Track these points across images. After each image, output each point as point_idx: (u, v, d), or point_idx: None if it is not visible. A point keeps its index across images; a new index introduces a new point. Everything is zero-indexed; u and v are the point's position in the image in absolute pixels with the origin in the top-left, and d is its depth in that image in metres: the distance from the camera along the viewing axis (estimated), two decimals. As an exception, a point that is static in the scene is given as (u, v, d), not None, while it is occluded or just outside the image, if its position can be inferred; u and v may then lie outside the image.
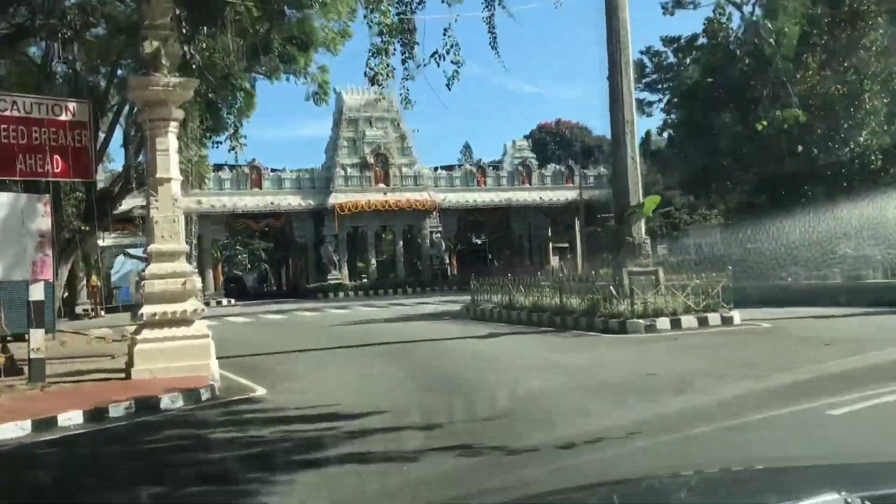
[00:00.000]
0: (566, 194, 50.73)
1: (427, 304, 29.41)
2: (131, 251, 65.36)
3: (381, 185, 46.24)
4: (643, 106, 48.45)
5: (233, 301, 42.02)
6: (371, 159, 45.91)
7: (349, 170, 45.73)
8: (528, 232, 50.59)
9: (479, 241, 54.93)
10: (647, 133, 44.83)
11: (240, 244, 75.18)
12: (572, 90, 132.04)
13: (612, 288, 14.37)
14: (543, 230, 51.39)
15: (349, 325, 19.90)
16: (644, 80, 47.78)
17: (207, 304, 41.12)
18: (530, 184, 50.83)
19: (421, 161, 47.76)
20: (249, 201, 43.51)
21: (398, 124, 47.52)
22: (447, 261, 47.32)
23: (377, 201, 44.91)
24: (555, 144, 68.80)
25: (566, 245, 57.34)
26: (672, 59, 46.82)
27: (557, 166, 52.96)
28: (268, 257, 70.66)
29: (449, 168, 49.99)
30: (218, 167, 43.56)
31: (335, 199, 44.40)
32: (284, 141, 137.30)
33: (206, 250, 42.96)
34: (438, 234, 47.32)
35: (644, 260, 14.40)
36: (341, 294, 43.02)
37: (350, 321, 21.13)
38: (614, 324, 14.18)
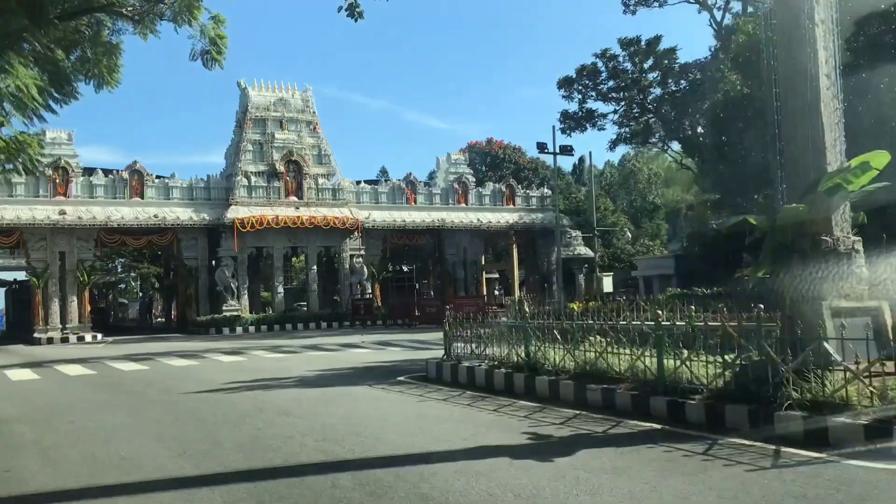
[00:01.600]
0: (505, 217, 44.39)
1: (356, 347, 21.91)
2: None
3: (293, 199, 38.68)
4: (594, 118, 42.94)
5: (99, 337, 33.46)
6: (281, 167, 38.34)
7: (254, 178, 38.03)
8: (462, 258, 43.84)
9: (405, 269, 47.78)
10: (589, 154, 38.52)
11: (123, 267, 66.04)
12: (485, 125, 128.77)
13: (781, 340, 7.22)
14: (478, 256, 44.73)
15: (232, 391, 12.22)
16: (597, 88, 42.26)
17: (65, 339, 32.66)
18: (466, 203, 44.22)
19: (341, 172, 40.52)
20: (127, 213, 35.18)
21: (314, 127, 40.19)
22: (369, 290, 40.03)
23: (287, 217, 37.32)
24: (485, 165, 62.73)
25: (496, 275, 50.99)
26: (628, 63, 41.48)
27: (497, 185, 46.58)
28: (159, 283, 61.61)
29: (374, 182, 42.81)
30: (89, 170, 35.39)
31: (235, 212, 36.58)
32: (175, 138, 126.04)
33: (70, 271, 34.31)
34: (360, 259, 40.01)
35: (857, 286, 7.60)
36: (239, 329, 35.08)
37: (237, 381, 13.43)
38: (795, 424, 6.92)
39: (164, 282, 50.81)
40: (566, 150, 37.63)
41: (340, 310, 38.32)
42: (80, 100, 18.55)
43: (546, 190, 47.86)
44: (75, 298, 34.46)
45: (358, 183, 41.95)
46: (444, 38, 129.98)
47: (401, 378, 13.08)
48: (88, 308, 35.15)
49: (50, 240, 34.03)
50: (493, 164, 62.85)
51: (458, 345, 12.61)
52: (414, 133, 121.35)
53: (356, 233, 39.73)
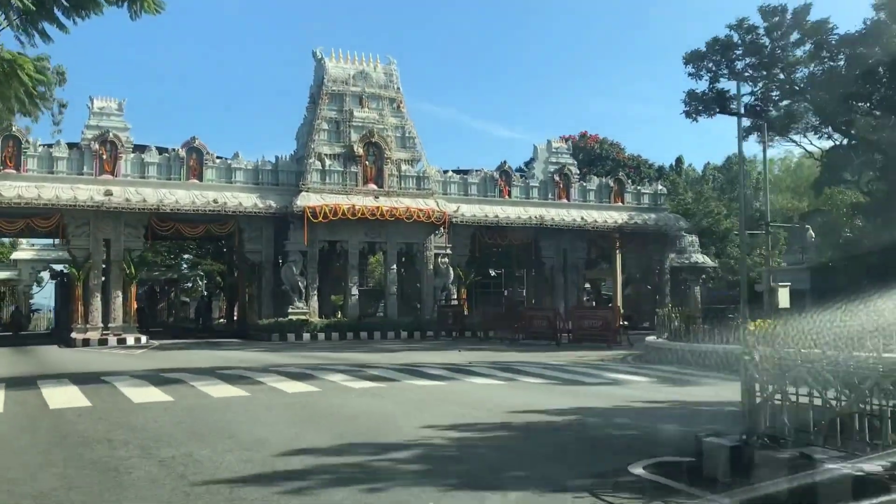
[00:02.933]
0: (613, 216, 38.20)
1: (470, 373, 15.44)
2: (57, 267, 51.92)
3: (372, 186, 33.36)
4: (726, 99, 36.37)
5: (143, 339, 28.58)
6: (360, 149, 33.06)
7: (328, 162, 32.83)
8: (562, 262, 37.82)
9: (492, 273, 41.95)
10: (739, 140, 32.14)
11: (189, 264, 62.01)
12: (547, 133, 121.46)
13: None
14: (580, 260, 38.62)
15: (291, 496, 5.87)
16: (731, 65, 35.75)
17: (104, 341, 27.88)
18: (568, 198, 38.23)
19: (427, 158, 35.01)
20: (183, 196, 30.34)
21: (398, 105, 34.82)
22: (454, 295, 34.40)
23: (365, 207, 31.98)
24: (579, 162, 56.32)
25: (587, 286, 44.70)
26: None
27: (604, 179, 40.41)
28: (222, 281, 57.29)
29: (462, 172, 37.18)
30: (140, 147, 30.64)
31: (306, 200, 31.41)
32: (240, 122, 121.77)
33: (115, 262, 29.64)
34: (446, 259, 34.40)
35: None
36: (306, 336, 29.82)
37: (301, 450, 7.53)
38: None
39: (227, 280, 46.25)
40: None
41: (423, 317, 32.72)
42: (101, 20, 13.46)
43: (660, 186, 41.46)
44: (120, 294, 29.74)
45: (445, 172, 36.34)
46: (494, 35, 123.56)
47: (637, 471, 6.45)
48: (135, 305, 30.40)
49: (93, 225, 29.40)
50: (587, 161, 56.42)
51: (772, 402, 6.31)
52: (483, 142, 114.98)
53: (442, 228, 34.15)
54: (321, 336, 29.92)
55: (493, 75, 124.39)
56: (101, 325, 29.22)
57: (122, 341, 26.79)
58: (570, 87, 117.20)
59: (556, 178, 38.02)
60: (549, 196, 37.92)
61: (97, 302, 29.27)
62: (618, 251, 39.64)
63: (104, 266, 30.18)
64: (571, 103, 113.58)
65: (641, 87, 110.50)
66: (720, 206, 48.48)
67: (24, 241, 49.19)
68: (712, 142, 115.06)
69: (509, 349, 22.97)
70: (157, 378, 14.20)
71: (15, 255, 52.00)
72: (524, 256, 39.49)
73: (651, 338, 20.78)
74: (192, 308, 50.11)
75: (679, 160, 59.00)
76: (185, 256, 61.07)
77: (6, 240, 52.78)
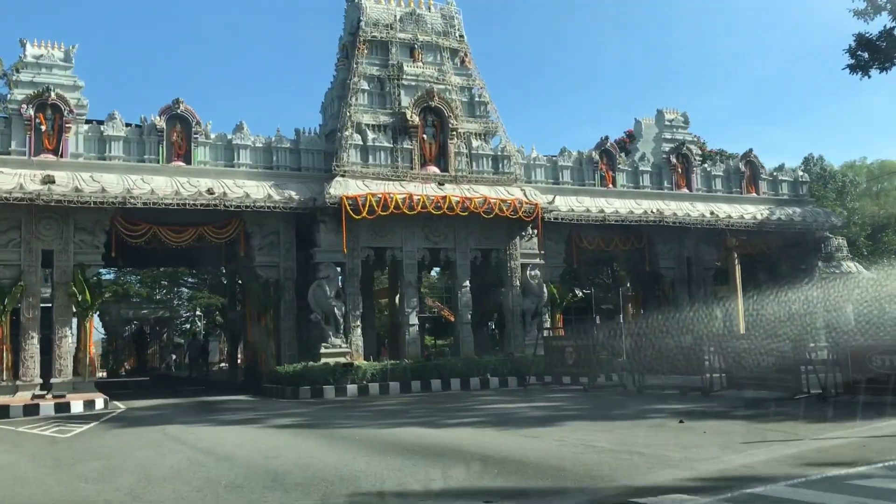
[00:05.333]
0: (749, 209, 28.29)
1: None
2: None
3: (433, 169, 23.48)
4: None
5: (99, 404, 17.90)
6: (414, 117, 23.22)
7: (372, 135, 22.96)
8: (685, 272, 27.80)
9: (581, 292, 31.71)
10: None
11: (187, 300, 51.95)
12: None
13: None
14: (708, 270, 28.51)
15: None
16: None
17: (32, 409, 17.38)
18: (689, 187, 28.33)
19: (506, 132, 25.12)
20: (162, 185, 20.42)
21: (463, 59, 25.06)
22: (547, 323, 24.29)
23: (426, 198, 22.08)
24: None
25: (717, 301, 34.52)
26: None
27: (731, 161, 30.48)
28: (222, 317, 47.19)
29: (552, 157, 27.22)
30: (100, 121, 20.89)
31: (342, 188, 21.52)
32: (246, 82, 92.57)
33: (62, 285, 19.63)
34: (538, 272, 24.37)
35: None
36: (351, 388, 19.55)
37: None
38: None
39: (228, 314, 36.11)
40: None
41: (512, 355, 22.48)
42: None
43: (802, 172, 31.52)
44: (68, 333, 19.68)
45: (527, 152, 26.37)
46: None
47: None
48: (91, 350, 20.19)
49: (25, 228, 19.46)
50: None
51: None
52: (546, 117, 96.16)
53: (530, 229, 24.23)
54: (373, 388, 19.71)
55: (556, 41, 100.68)
56: (38, 380, 19.16)
57: (62, 408, 16.56)
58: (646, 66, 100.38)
59: (673, 159, 28.12)
60: (665, 184, 28.02)
61: (32, 347, 19.19)
62: (735, 256, 29.46)
63: (46, 292, 20.27)
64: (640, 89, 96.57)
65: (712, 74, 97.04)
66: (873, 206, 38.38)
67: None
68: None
69: (776, 421, 12.38)
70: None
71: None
72: (633, 265, 29.34)
73: None
74: (184, 351, 39.83)
75: (807, 159, 47.80)
76: (184, 290, 51.41)
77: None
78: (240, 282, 30.76)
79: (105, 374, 48.88)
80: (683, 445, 8.96)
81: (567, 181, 26.46)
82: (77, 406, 16.78)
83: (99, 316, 50.48)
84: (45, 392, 17.75)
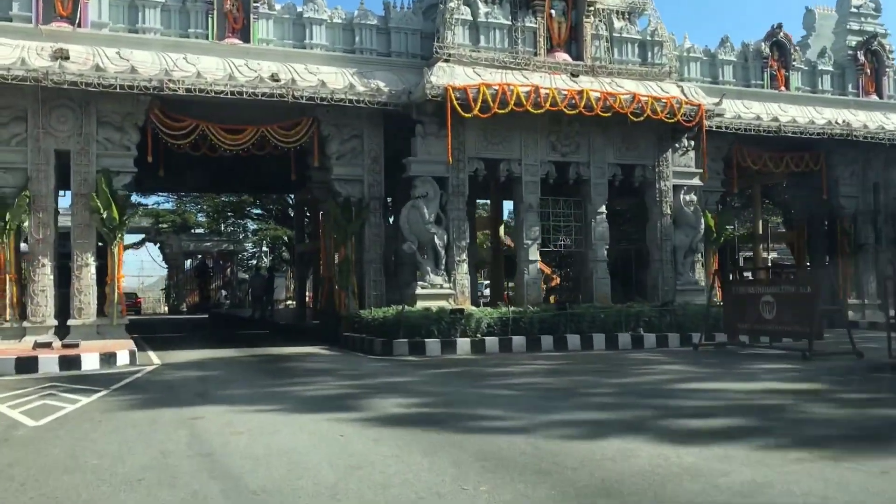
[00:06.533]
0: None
1: None
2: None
3: (563, 57, 17.80)
4: None
5: (122, 357, 12.94)
6: (538, -14, 17.52)
7: (483, 8, 17.29)
8: (871, 201, 21.73)
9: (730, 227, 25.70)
10: None
11: (254, 234, 47.91)
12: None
13: None
14: (898, 202, 22.31)
15: None
16: None
17: (25, 365, 12.58)
18: (880, 93, 22.02)
19: (657, 10, 19.11)
20: (212, 67, 15.34)
21: (603, -86, 19.03)
22: (700, 258, 18.72)
23: (556, 93, 16.46)
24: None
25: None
26: None
27: (935, 59, 23.89)
28: (288, 251, 42.76)
29: (708, 49, 21.11)
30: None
31: (446, 76, 16.07)
32: None
33: (82, 197, 14.84)
34: (694, 196, 18.69)
35: None
36: (461, 342, 14.41)
37: None
38: None
39: (295, 247, 31.48)
40: None
41: (672, 304, 16.88)
42: None
43: None
44: (90, 259, 14.95)
45: (677, 41, 20.34)
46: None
47: None
48: (120, 284, 15.36)
49: (32, 119, 14.62)
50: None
51: None
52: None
53: (685, 139, 18.49)
54: (490, 344, 14.51)
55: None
56: (51, 321, 14.57)
57: (69, 363, 11.72)
58: None
59: (861, 57, 21.76)
60: (850, 88, 21.75)
61: (44, 277, 14.54)
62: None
63: (56, 204, 15.62)
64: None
65: None
66: None
67: None
68: None
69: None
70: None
71: None
72: (799, 196, 23.30)
73: None
74: (247, 287, 35.31)
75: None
76: (249, 222, 47.40)
77: None
78: (308, 212, 25.95)
79: (167, 309, 45.54)
80: None
81: (728, 80, 20.50)
82: (90, 360, 12.03)
83: (159, 247, 47.03)
84: (50, 341, 13.04)
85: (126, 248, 45.52)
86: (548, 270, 25.19)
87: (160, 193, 38.22)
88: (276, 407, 8.11)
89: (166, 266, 47.83)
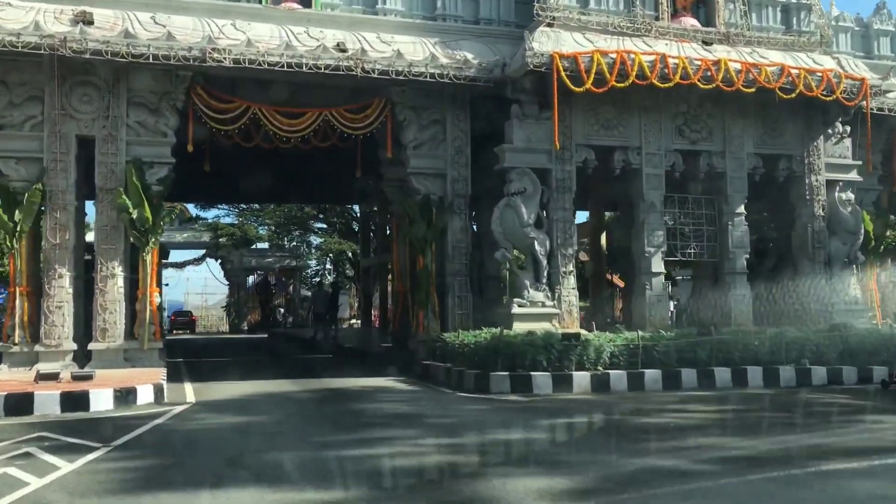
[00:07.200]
0: None
1: None
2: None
3: (690, 22, 14.50)
4: None
5: (147, 392, 9.81)
6: (662, -64, 14.25)
7: (593, -36, 14.17)
8: None
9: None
10: None
11: (317, 249, 45.66)
12: None
13: None
14: None
15: None
16: None
17: (24, 401, 9.86)
18: None
19: (801, -33, 15.68)
20: (264, 35, 12.54)
21: None
22: (861, 262, 15.07)
23: (688, 62, 13.16)
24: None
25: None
26: None
27: None
28: (353, 266, 40.02)
29: (860, 18, 17.56)
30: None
31: (551, 42, 12.91)
32: None
33: (107, 192, 12.10)
34: (851, 196, 15.08)
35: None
36: (579, 376, 11.05)
37: None
38: None
39: (361, 261, 28.66)
40: None
41: (842, 328, 13.22)
42: None
43: None
44: (117, 269, 12.20)
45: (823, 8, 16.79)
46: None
47: None
48: (153, 300, 12.56)
49: (50, 100, 11.98)
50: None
51: None
52: None
53: (840, 124, 14.96)
54: (616, 379, 11.16)
55: None
56: (69, 345, 11.84)
57: (74, 402, 8.87)
58: None
59: None
60: None
61: (61, 292, 11.82)
62: None
63: (79, 202, 12.97)
64: None
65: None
66: None
67: None
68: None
69: None
70: None
71: None
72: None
73: None
74: (308, 304, 32.40)
75: None
76: (311, 236, 45.22)
77: None
78: (373, 225, 23.13)
79: (227, 328, 43.43)
80: None
81: (885, 54, 16.89)
82: (102, 399, 9.17)
83: (220, 263, 45.02)
84: (58, 371, 10.22)
85: (186, 263, 43.39)
86: (621, 284, 21.65)
87: (220, 206, 36.15)
88: (342, 496, 5.01)
89: (227, 283, 45.82)
